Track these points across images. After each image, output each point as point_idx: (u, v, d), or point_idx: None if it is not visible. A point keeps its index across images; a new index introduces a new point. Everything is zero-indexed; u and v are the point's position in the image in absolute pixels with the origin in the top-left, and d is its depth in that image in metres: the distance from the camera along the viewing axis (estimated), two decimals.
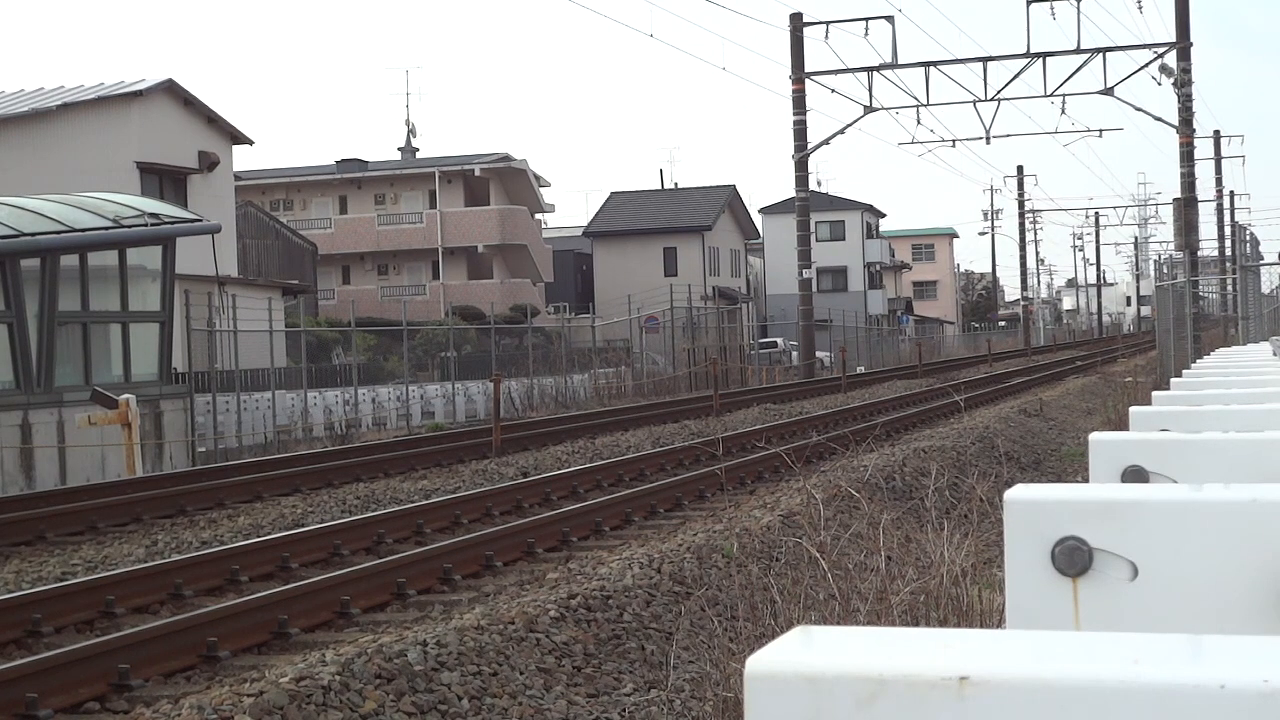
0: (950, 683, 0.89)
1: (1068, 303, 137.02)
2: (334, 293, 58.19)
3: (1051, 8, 37.23)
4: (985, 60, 39.30)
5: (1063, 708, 0.88)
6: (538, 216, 64.16)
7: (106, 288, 22.69)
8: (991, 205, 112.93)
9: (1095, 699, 0.88)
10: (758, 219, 77.65)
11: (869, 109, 40.79)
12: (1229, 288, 38.75)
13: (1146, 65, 37.65)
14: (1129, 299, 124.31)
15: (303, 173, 63.76)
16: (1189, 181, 36.47)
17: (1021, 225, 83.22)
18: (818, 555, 7.66)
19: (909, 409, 28.38)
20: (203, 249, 27.17)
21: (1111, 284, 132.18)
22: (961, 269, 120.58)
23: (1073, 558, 1.40)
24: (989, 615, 7.05)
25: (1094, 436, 2.01)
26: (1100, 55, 38.09)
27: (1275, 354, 6.26)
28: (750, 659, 0.93)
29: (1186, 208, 32.72)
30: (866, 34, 39.97)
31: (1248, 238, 38.00)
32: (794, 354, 53.84)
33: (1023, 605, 1.41)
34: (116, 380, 21.97)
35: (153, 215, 23.40)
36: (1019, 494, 1.43)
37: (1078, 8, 37.12)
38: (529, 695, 7.93)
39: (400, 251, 61.29)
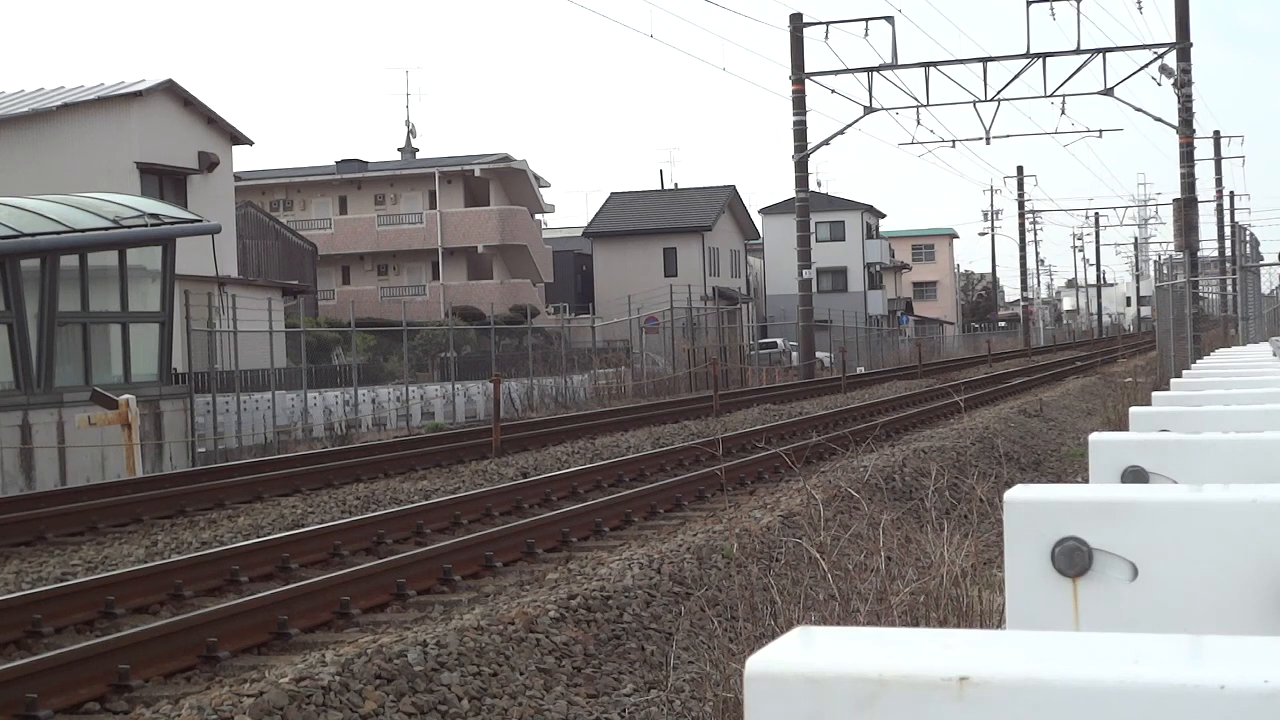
0: (950, 683, 0.89)
1: (1068, 303, 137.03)
2: (334, 293, 58.21)
3: (1051, 8, 37.24)
4: (985, 60, 39.31)
5: (1063, 708, 0.88)
6: (538, 217, 64.18)
7: (106, 288, 22.69)
8: (991, 206, 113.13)
9: (1095, 699, 0.88)
10: (758, 219, 77.66)
11: (869, 109, 40.80)
12: (1229, 288, 38.76)
13: (1146, 66, 37.67)
14: (1129, 299, 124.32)
15: (303, 173, 63.77)
16: (1189, 182, 36.47)
17: (1021, 226, 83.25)
18: (818, 556, 7.66)
19: (909, 409, 28.38)
20: (203, 249, 27.19)
21: (1111, 284, 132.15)
22: (961, 269, 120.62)
23: (1073, 558, 1.40)
24: (989, 615, 7.05)
25: (1094, 437, 2.01)
26: (1100, 56, 38.12)
27: (1275, 354, 6.26)
28: (750, 659, 0.93)
29: (1186, 208, 32.72)
30: (866, 34, 40.03)
31: (1247, 238, 37.99)
32: (794, 354, 53.85)
33: (1023, 605, 1.41)
34: (116, 381, 21.97)
35: (153, 216, 23.40)
36: (1019, 494, 1.43)
37: (1078, 8, 37.15)
38: (529, 695, 7.93)
39: (400, 252, 61.30)
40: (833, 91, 41.52)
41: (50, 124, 34.48)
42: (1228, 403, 2.90)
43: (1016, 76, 38.92)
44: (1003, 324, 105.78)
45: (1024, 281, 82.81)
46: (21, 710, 7.45)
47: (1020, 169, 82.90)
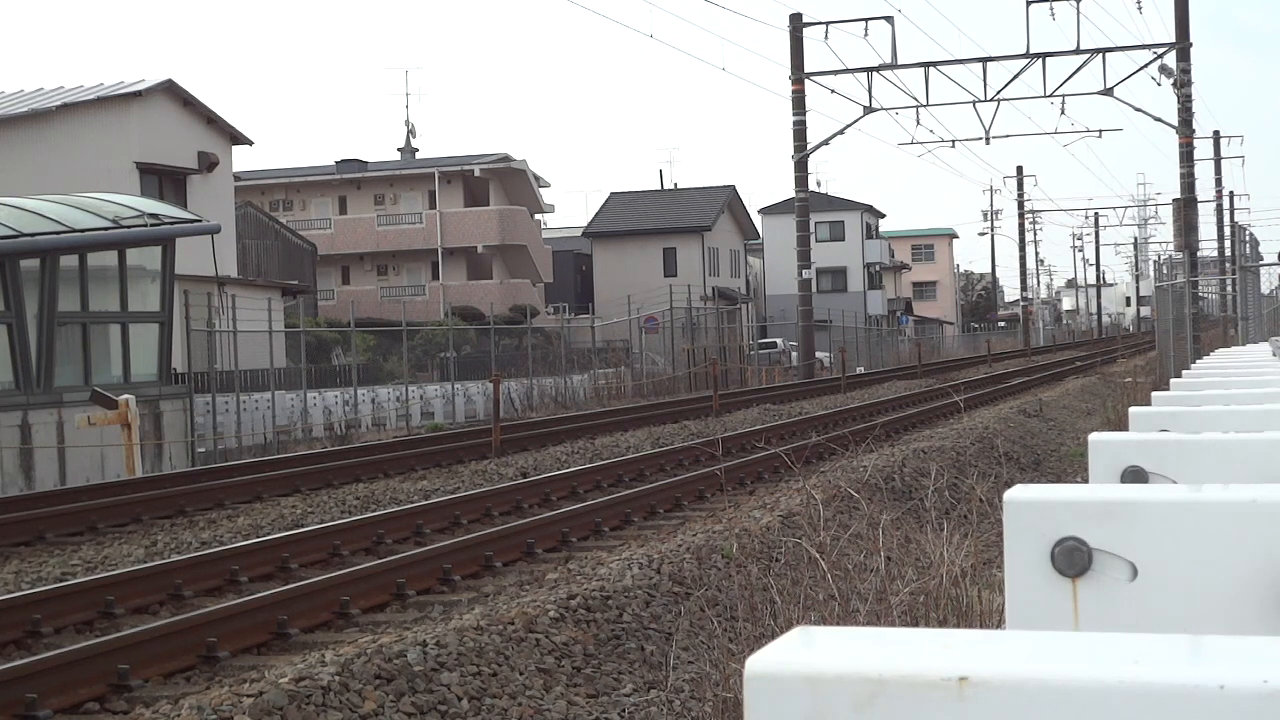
0: (950, 683, 0.89)
1: (1067, 303, 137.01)
2: (334, 293, 58.20)
3: (1051, 8, 37.26)
4: (985, 60, 39.32)
5: (1062, 708, 0.88)
6: (537, 217, 64.18)
7: (106, 288, 22.69)
8: (991, 206, 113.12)
9: (1095, 699, 0.88)
10: (757, 219, 77.66)
11: (869, 109, 40.81)
12: (1228, 288, 38.76)
13: (1146, 65, 37.69)
14: (1129, 299, 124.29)
15: (302, 173, 63.77)
16: (1188, 182, 36.48)
17: (1021, 226, 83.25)
18: (817, 556, 7.66)
19: (908, 409, 28.38)
20: (202, 249, 27.18)
21: (1111, 284, 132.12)
22: (961, 269, 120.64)
23: (1072, 558, 1.40)
24: (989, 615, 7.05)
25: (1093, 437, 2.01)
26: (1100, 56, 38.12)
27: (1275, 354, 6.26)
28: (750, 659, 0.93)
29: (1186, 208, 32.72)
30: (866, 34, 40.07)
31: (1247, 238, 38.01)
32: (794, 354, 53.85)
33: (1022, 605, 1.41)
34: (116, 381, 21.97)
35: (152, 216, 23.40)
36: (1018, 494, 1.43)
37: (1077, 8, 37.17)
38: (529, 695, 7.93)
39: (400, 252, 61.29)
40: (832, 91, 41.56)
41: (50, 124, 34.47)
42: (1227, 403, 2.90)
43: (1016, 76, 38.95)
44: (1002, 324, 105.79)
45: (1024, 281, 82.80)
46: (21, 710, 7.45)
47: (1020, 169, 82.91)
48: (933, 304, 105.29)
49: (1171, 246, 43.62)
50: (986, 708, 0.89)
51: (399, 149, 66.01)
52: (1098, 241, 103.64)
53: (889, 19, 39.27)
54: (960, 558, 7.32)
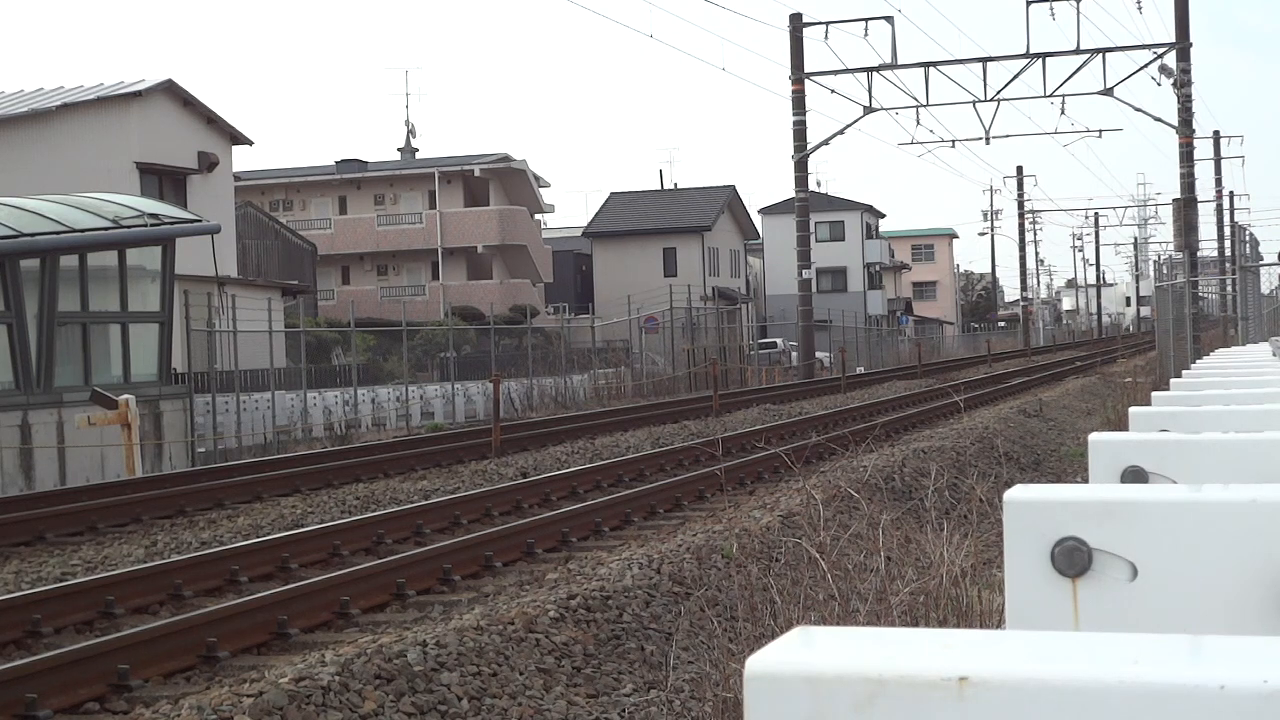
0: (950, 683, 0.89)
1: (1067, 303, 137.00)
2: (334, 293, 58.20)
3: (1051, 8, 37.27)
4: (985, 60, 39.33)
5: (1062, 708, 0.88)
6: (537, 217, 64.17)
7: (106, 288, 22.69)
8: (991, 206, 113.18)
9: (1095, 699, 0.88)
10: (757, 219, 77.66)
11: (869, 109, 40.81)
12: (1228, 288, 38.76)
13: (1146, 66, 37.69)
14: (1129, 299, 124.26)
15: (302, 173, 63.76)
16: (1188, 182, 36.49)
17: (1021, 226, 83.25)
18: (817, 556, 7.66)
19: (908, 409, 28.37)
20: (202, 249, 27.18)
21: (1111, 284, 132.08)
22: (961, 269, 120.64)
23: (1072, 558, 1.40)
24: (989, 615, 7.05)
25: (1093, 437, 2.01)
26: (1100, 56, 38.13)
27: (1275, 354, 6.26)
28: (750, 659, 0.93)
29: (1186, 208, 32.72)
30: (866, 34, 40.09)
31: (1247, 238, 38.02)
32: (794, 354, 53.85)
33: (1022, 605, 1.41)
34: (116, 381, 21.96)
35: (152, 216, 23.39)
36: (1018, 494, 1.43)
37: (1077, 8, 37.17)
38: (529, 695, 7.93)
39: (400, 252, 61.29)
40: (832, 91, 41.56)
41: (50, 124, 34.47)
42: (1227, 403, 2.90)
43: (1016, 76, 38.95)
44: (1002, 324, 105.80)
45: (1024, 281, 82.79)
46: (21, 710, 7.45)
47: (1020, 169, 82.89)
48: (933, 304, 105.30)
49: (1171, 246, 43.63)
50: (986, 708, 0.89)
51: (399, 149, 66.03)
52: (1098, 241, 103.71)
53: (889, 19, 39.29)
54: (960, 558, 7.32)
